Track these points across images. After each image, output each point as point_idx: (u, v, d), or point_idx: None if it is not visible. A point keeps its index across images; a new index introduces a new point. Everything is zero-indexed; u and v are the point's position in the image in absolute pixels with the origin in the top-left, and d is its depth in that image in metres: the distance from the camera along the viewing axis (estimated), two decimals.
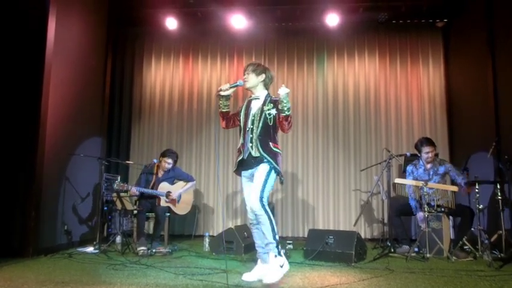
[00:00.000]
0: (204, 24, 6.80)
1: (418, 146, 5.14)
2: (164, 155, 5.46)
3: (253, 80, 3.60)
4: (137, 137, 6.96)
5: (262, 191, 3.32)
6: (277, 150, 3.48)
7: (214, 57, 7.06)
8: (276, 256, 3.24)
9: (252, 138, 3.46)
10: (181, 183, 5.54)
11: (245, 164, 3.51)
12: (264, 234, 3.29)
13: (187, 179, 5.62)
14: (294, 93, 6.81)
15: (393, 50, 6.81)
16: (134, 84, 7.10)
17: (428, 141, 5.09)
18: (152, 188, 5.32)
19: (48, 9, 4.67)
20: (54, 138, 4.84)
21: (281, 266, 3.21)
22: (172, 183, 5.49)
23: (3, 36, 4.61)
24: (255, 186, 3.36)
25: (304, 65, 6.92)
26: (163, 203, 5.27)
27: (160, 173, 5.45)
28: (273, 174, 3.40)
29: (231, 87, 3.55)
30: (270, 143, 3.45)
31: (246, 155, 3.48)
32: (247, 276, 3.40)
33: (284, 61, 6.91)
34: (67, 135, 5.14)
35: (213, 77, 7.03)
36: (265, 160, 3.40)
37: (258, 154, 3.41)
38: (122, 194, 5.00)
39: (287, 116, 3.40)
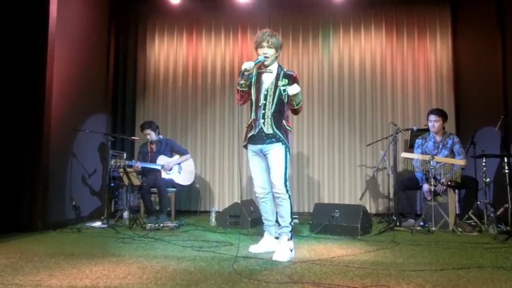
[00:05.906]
0: None
1: (428, 115, 5.13)
2: (142, 128, 5.57)
3: (274, 56, 3.40)
4: (142, 113, 6.94)
5: (285, 174, 3.34)
6: (289, 128, 3.43)
7: (218, 33, 6.97)
8: (288, 240, 3.29)
9: (264, 114, 3.36)
10: (178, 157, 5.65)
11: (255, 139, 3.41)
12: (282, 217, 3.35)
13: (181, 152, 5.69)
14: (300, 69, 6.75)
15: (400, 24, 6.67)
16: (138, 60, 7.03)
17: (435, 111, 5.08)
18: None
19: None
20: (60, 114, 4.85)
21: (291, 250, 3.24)
22: (171, 156, 5.60)
23: (6, 13, 4.56)
24: (276, 171, 3.33)
25: (309, 40, 6.81)
26: (164, 175, 5.39)
27: (153, 147, 5.58)
28: (287, 155, 3.38)
29: (254, 65, 3.31)
30: (283, 121, 3.39)
31: (257, 130, 3.38)
32: (254, 248, 3.44)
33: (289, 36, 6.79)
34: (72, 111, 5.14)
35: (217, 52, 6.95)
36: (279, 139, 3.33)
37: (270, 131, 3.34)
38: (129, 170, 5.04)
39: (295, 110, 3.43)
